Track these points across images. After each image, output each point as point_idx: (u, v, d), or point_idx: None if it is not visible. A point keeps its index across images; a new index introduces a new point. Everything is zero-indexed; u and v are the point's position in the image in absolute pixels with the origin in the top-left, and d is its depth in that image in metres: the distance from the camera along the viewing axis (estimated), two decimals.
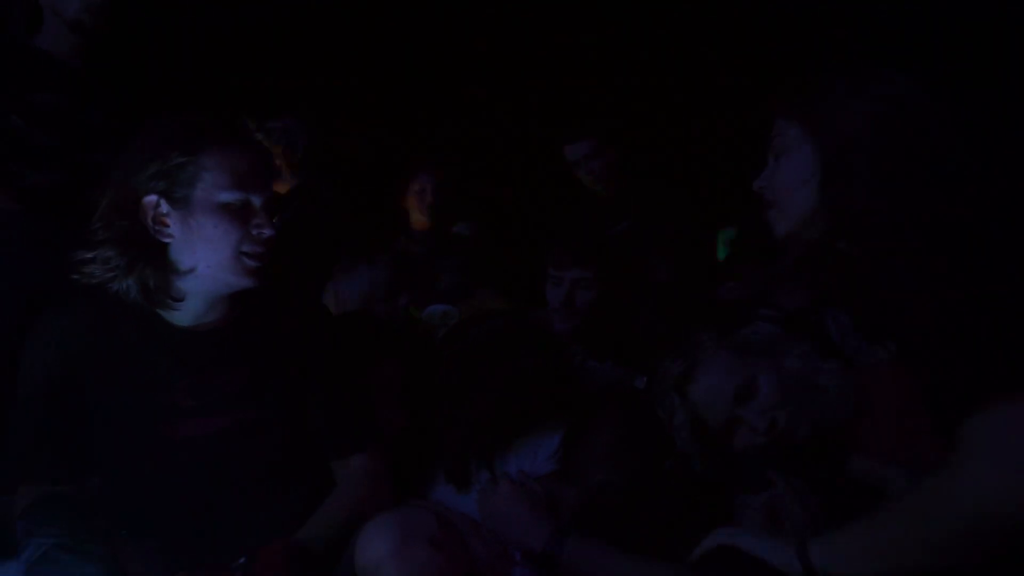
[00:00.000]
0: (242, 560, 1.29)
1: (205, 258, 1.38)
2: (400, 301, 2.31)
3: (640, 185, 2.92)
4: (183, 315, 1.43)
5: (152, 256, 1.36)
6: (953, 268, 0.93)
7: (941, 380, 0.91)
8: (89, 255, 1.37)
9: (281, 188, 3.01)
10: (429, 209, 3.16)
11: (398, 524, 1.28)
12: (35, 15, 2.14)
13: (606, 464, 1.58)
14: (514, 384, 1.67)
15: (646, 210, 2.84)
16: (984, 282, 0.91)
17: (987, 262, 0.92)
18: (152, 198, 1.35)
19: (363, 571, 1.26)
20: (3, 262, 1.96)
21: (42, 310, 1.45)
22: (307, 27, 3.65)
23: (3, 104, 2.03)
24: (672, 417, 1.47)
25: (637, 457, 1.56)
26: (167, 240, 1.37)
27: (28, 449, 1.42)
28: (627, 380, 1.88)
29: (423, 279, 2.62)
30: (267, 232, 1.39)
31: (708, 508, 1.41)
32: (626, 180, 2.92)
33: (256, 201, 1.39)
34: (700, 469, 1.47)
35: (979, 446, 0.86)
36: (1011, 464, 0.84)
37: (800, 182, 1.16)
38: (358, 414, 1.54)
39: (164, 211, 1.36)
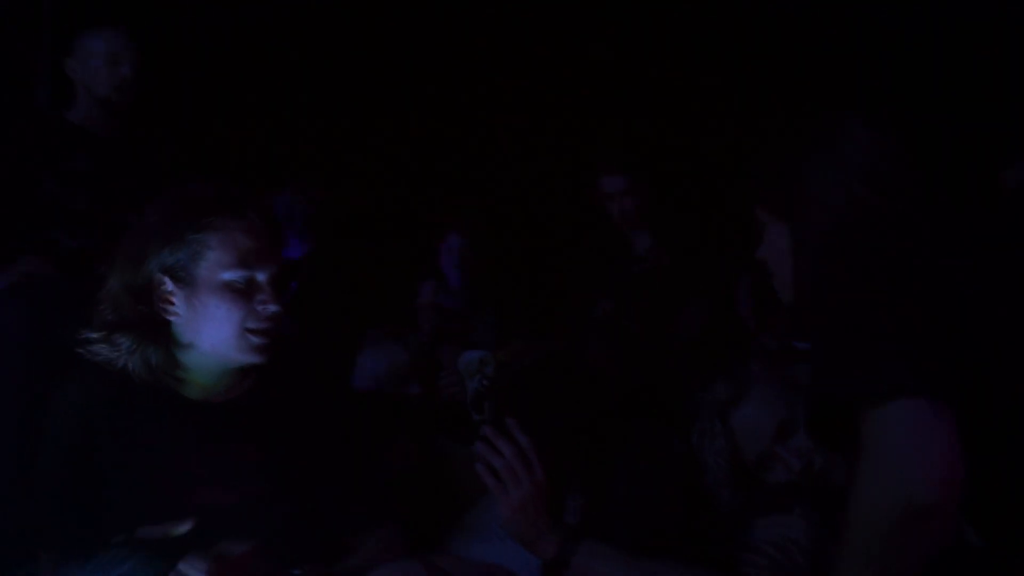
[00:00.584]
0: (296, 572, 1.31)
1: (209, 336, 1.38)
2: (411, 388, 2.33)
3: (669, 227, 2.95)
4: (192, 389, 1.44)
5: (157, 334, 1.38)
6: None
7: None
8: (95, 335, 1.37)
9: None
10: (459, 267, 3.21)
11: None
12: (68, 91, 2.42)
13: (619, 513, 1.58)
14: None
15: (673, 252, 2.87)
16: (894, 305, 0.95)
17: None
18: (159, 278, 1.36)
19: None
20: (42, 325, 1.99)
21: (65, 375, 1.45)
22: (323, 90, 3.69)
23: (39, 172, 2.22)
24: (710, 443, 1.47)
25: (650, 510, 1.56)
26: (172, 318, 1.38)
27: (48, 516, 1.43)
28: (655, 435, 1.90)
29: (459, 332, 2.66)
30: (272, 308, 1.39)
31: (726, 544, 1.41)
32: (656, 220, 2.94)
33: (261, 277, 1.39)
34: (727, 501, 1.47)
35: (881, 443, 0.90)
36: (914, 456, 0.88)
37: (783, 252, 1.19)
38: (372, 493, 1.54)
39: (169, 289, 1.37)
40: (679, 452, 1.53)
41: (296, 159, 3.56)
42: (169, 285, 1.37)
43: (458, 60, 3.82)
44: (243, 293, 1.38)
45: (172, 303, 1.38)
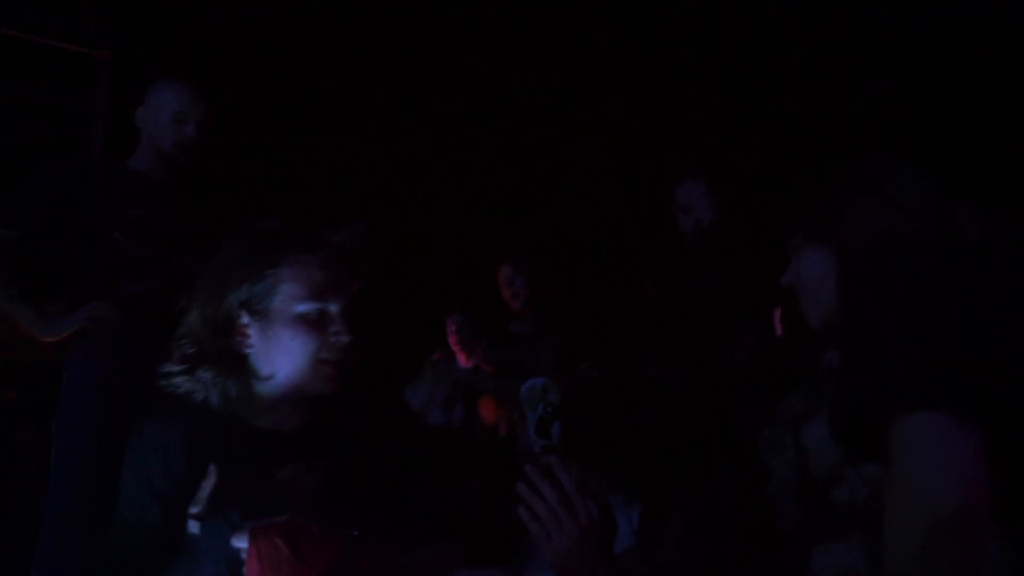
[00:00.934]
0: (355, 532, 1.32)
1: (284, 366, 1.42)
2: (455, 412, 2.35)
3: (735, 239, 2.90)
4: (264, 418, 1.47)
5: (234, 367, 1.41)
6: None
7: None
8: (176, 368, 1.40)
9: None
10: (519, 295, 3.25)
11: None
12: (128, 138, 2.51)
13: (679, 546, 1.56)
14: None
15: (737, 265, 2.82)
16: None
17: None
18: (237, 312, 1.41)
19: None
20: (109, 369, 2.08)
21: (140, 416, 1.49)
22: (376, 125, 3.77)
23: (105, 222, 2.26)
24: (780, 454, 1.44)
25: (710, 543, 1.53)
26: (248, 351, 1.42)
27: (133, 549, 1.46)
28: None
29: (526, 358, 2.69)
30: (344, 339, 1.42)
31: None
32: (722, 231, 2.90)
33: (333, 309, 1.44)
34: (790, 515, 1.44)
35: (905, 458, 0.91)
36: (938, 469, 0.89)
37: (820, 277, 1.21)
38: (439, 513, 1.56)
39: (245, 322, 1.41)
40: (742, 476, 1.49)
41: (351, 194, 3.62)
42: (245, 319, 1.42)
43: (509, 97, 3.86)
44: (316, 325, 1.42)
45: (248, 336, 1.42)
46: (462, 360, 3.28)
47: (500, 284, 3.30)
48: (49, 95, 3.30)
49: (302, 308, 1.41)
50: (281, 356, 1.41)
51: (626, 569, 1.57)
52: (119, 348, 2.18)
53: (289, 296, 1.41)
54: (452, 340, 3.20)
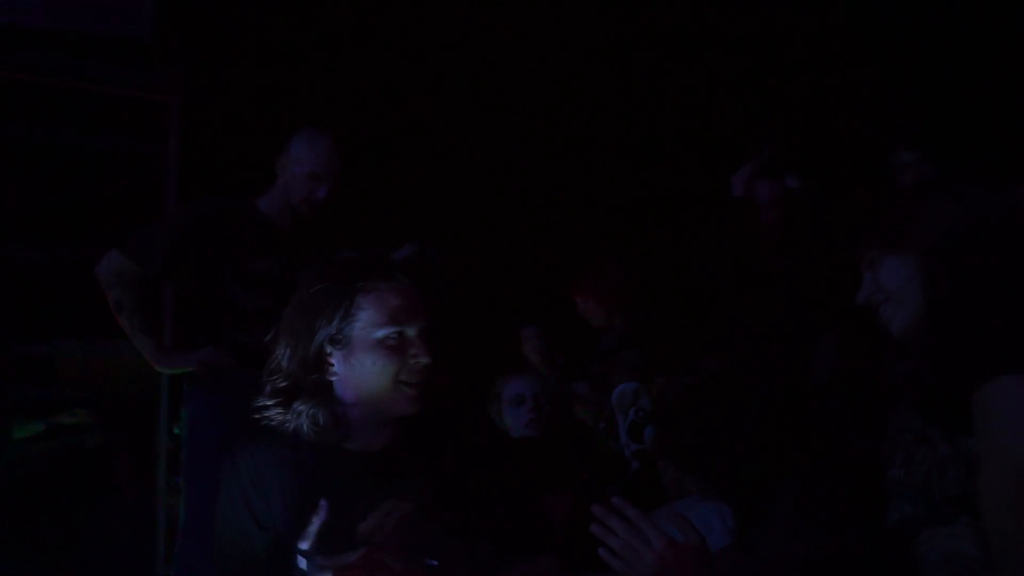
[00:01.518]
0: (434, 563, 1.36)
1: (367, 390, 1.49)
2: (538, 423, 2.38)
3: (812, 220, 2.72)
4: (353, 442, 1.53)
5: (323, 396, 1.48)
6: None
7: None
8: (270, 402, 1.48)
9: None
10: (601, 309, 3.28)
11: None
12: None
13: (786, 538, 1.56)
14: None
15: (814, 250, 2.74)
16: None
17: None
18: (325, 346, 1.48)
19: None
20: (222, 406, 2.21)
21: (233, 447, 1.57)
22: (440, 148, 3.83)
23: (226, 275, 2.44)
24: (919, 462, 1.40)
25: (817, 540, 1.53)
26: (332, 379, 1.49)
27: (226, 570, 1.53)
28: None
29: (608, 369, 2.72)
30: (423, 361, 1.48)
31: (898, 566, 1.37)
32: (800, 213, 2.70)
33: (411, 332, 1.49)
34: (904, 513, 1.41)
35: (992, 419, 0.96)
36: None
37: (904, 280, 1.27)
38: (530, 527, 1.59)
39: (328, 351, 1.48)
40: (847, 472, 1.49)
41: (421, 212, 3.69)
42: (328, 348, 1.48)
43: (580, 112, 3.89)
44: (395, 348, 1.48)
45: (332, 364, 1.49)
46: (536, 367, 3.31)
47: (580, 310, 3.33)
48: (122, 142, 3.43)
49: (381, 333, 1.47)
50: (363, 381, 1.48)
51: (724, 569, 1.57)
52: (229, 387, 2.34)
53: (368, 323, 1.47)
54: (529, 349, 3.25)
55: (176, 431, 3.18)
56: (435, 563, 1.36)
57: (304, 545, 1.37)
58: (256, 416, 1.52)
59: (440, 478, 1.53)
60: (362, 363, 1.47)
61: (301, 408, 1.47)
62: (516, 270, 3.89)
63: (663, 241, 3.77)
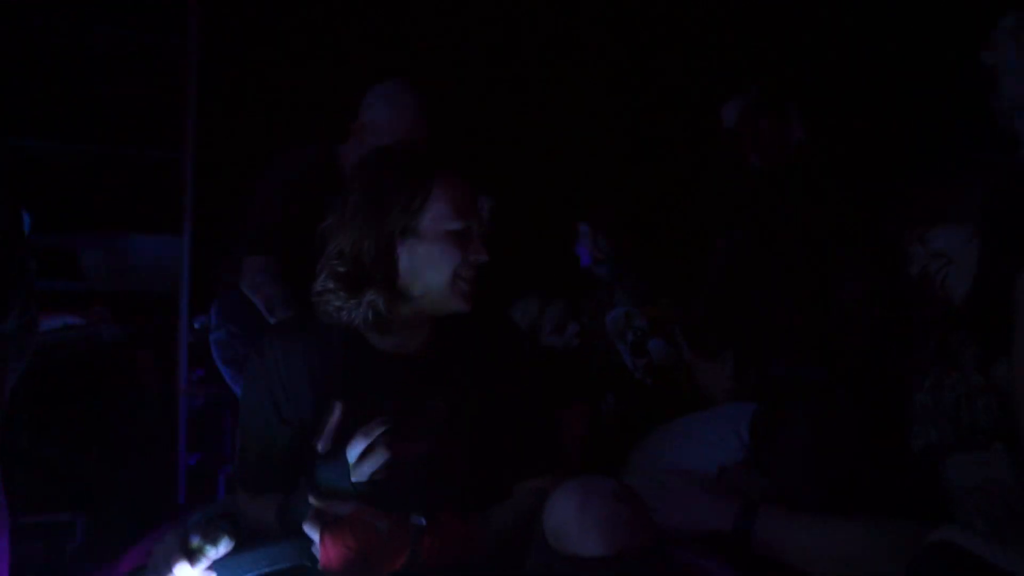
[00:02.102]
0: (421, 520, 1.37)
1: (426, 282, 1.48)
2: (569, 330, 2.35)
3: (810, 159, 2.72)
4: (390, 341, 1.51)
5: (388, 285, 1.46)
6: None
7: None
8: (330, 286, 1.46)
9: None
10: (598, 250, 3.24)
11: (580, 485, 1.30)
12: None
13: (800, 463, 1.54)
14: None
15: (811, 191, 2.69)
16: None
17: None
18: (396, 234, 1.46)
19: (552, 535, 1.28)
20: None
21: (262, 341, 1.56)
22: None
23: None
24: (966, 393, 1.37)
25: (833, 462, 1.51)
26: (396, 270, 1.47)
27: (250, 462, 1.54)
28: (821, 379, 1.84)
29: (605, 299, 2.69)
30: (483, 258, 1.48)
31: (923, 490, 1.35)
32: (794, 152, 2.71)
33: (474, 227, 1.48)
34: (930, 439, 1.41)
35: None
36: None
37: (962, 243, 1.33)
38: (547, 442, 1.60)
39: (398, 242, 1.46)
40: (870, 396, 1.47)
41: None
42: (398, 239, 1.47)
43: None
44: (460, 243, 1.47)
45: (398, 255, 1.47)
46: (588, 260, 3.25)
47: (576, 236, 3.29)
48: (144, 36, 3.37)
49: (453, 226, 1.46)
50: (425, 271, 1.47)
51: (736, 485, 1.57)
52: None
53: (439, 214, 1.46)
54: (585, 244, 3.20)
55: (196, 326, 3.21)
56: (422, 521, 1.36)
57: (320, 447, 1.37)
58: (312, 300, 1.50)
59: (471, 386, 1.52)
60: (429, 253, 1.46)
61: (369, 297, 1.46)
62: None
63: (660, 175, 3.70)
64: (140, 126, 3.50)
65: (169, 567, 1.25)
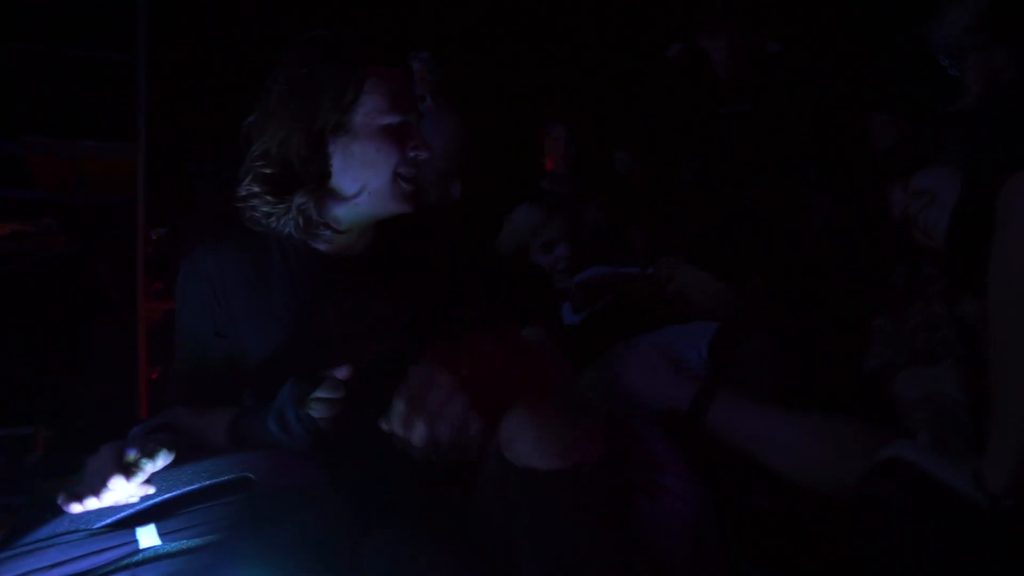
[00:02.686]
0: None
1: (366, 183, 1.37)
2: (558, 251, 2.25)
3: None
4: (330, 244, 1.42)
5: (318, 187, 1.36)
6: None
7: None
8: (256, 190, 1.36)
9: None
10: (565, 157, 3.12)
11: (535, 397, 1.21)
12: None
13: (763, 370, 1.52)
14: None
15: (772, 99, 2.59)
16: None
17: None
18: (327, 130, 1.34)
19: (507, 447, 1.18)
20: None
21: (194, 248, 1.47)
22: None
23: None
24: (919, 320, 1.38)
25: (789, 374, 1.49)
26: (331, 169, 1.36)
27: (185, 376, 1.48)
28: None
29: (570, 218, 2.59)
30: (424, 154, 1.37)
31: (872, 403, 1.35)
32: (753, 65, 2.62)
33: (412, 121, 1.38)
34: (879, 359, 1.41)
35: (1015, 207, 1.01)
36: None
37: (946, 176, 1.33)
38: (530, 300, 1.54)
39: (327, 138, 1.34)
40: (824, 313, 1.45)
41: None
42: (328, 135, 1.36)
43: None
44: (398, 138, 1.36)
45: (331, 153, 1.36)
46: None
47: (547, 143, 3.17)
48: None
49: (387, 120, 1.35)
50: (363, 172, 1.37)
51: (707, 382, 1.53)
52: None
53: (373, 109, 1.35)
54: (552, 149, 3.10)
55: (154, 237, 3.11)
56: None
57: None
58: (237, 206, 1.40)
59: (418, 285, 1.45)
60: (364, 151, 1.36)
61: (299, 200, 1.35)
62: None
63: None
64: (90, 24, 3.30)
65: (104, 482, 1.20)
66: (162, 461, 1.25)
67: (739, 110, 2.65)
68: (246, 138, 1.41)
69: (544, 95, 3.56)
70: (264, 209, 1.38)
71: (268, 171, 1.36)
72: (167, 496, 1.24)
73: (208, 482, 1.29)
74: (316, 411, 1.26)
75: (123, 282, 3.17)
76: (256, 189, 1.37)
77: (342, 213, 1.40)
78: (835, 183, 2.45)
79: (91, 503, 1.19)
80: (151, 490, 1.23)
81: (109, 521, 1.21)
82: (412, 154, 1.38)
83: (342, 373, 1.27)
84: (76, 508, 1.19)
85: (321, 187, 1.37)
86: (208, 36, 3.22)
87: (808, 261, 1.88)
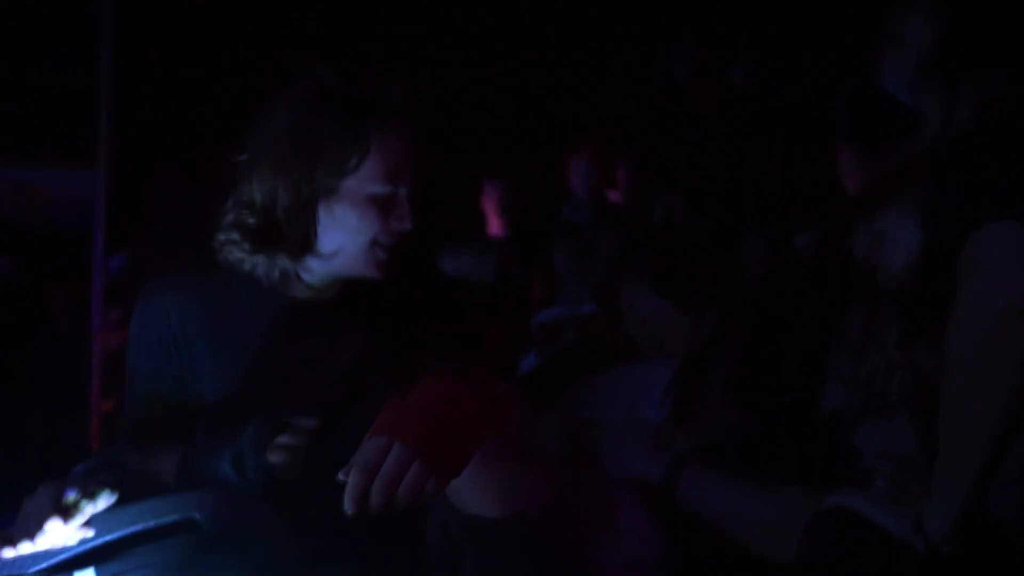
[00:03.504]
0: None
1: (341, 246, 1.32)
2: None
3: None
4: (299, 290, 1.39)
5: (297, 244, 1.31)
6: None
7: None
8: (235, 236, 1.32)
9: None
10: (586, 184, 3.16)
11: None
12: None
13: (724, 407, 1.52)
14: None
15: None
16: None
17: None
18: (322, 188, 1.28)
19: (451, 492, 1.17)
20: None
21: (154, 279, 1.43)
22: None
23: None
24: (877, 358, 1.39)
25: (756, 396, 1.49)
26: (315, 233, 1.32)
27: (136, 417, 1.43)
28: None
29: (584, 246, 2.62)
30: (406, 227, 1.31)
31: (830, 453, 1.36)
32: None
33: (403, 192, 1.31)
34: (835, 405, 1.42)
35: (982, 260, 1.03)
36: (1010, 264, 1.00)
37: (903, 216, 1.36)
38: (486, 348, 1.50)
39: (317, 199, 1.29)
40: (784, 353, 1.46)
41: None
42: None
43: None
44: (383, 208, 1.30)
45: (319, 213, 1.30)
46: (495, 227, 3.21)
47: (571, 171, 3.22)
48: None
49: (378, 190, 1.28)
50: (341, 235, 1.30)
51: (660, 442, 1.54)
52: None
53: (367, 177, 1.26)
54: (490, 205, 3.13)
55: (112, 264, 3.05)
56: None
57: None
58: (215, 244, 1.34)
59: (384, 327, 1.42)
60: (346, 216, 1.29)
61: (280, 262, 1.30)
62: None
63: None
64: (52, 48, 3.26)
65: (39, 525, 1.15)
66: (104, 502, 1.21)
67: (705, 138, 2.70)
68: (234, 172, 1.34)
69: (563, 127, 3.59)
70: (239, 255, 1.33)
71: (251, 221, 1.30)
72: (108, 539, 1.19)
73: (152, 523, 1.24)
74: (276, 457, 1.22)
75: (78, 310, 3.10)
76: (235, 237, 1.32)
77: (316, 266, 1.35)
78: (795, 220, 2.49)
79: (25, 547, 1.14)
80: (91, 533, 1.18)
81: (45, 566, 1.15)
82: (395, 224, 1.31)
83: (310, 423, 1.23)
84: (8, 552, 1.14)
85: (304, 248, 1.32)
86: (173, 61, 3.19)
87: (764, 297, 1.89)
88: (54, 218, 3.14)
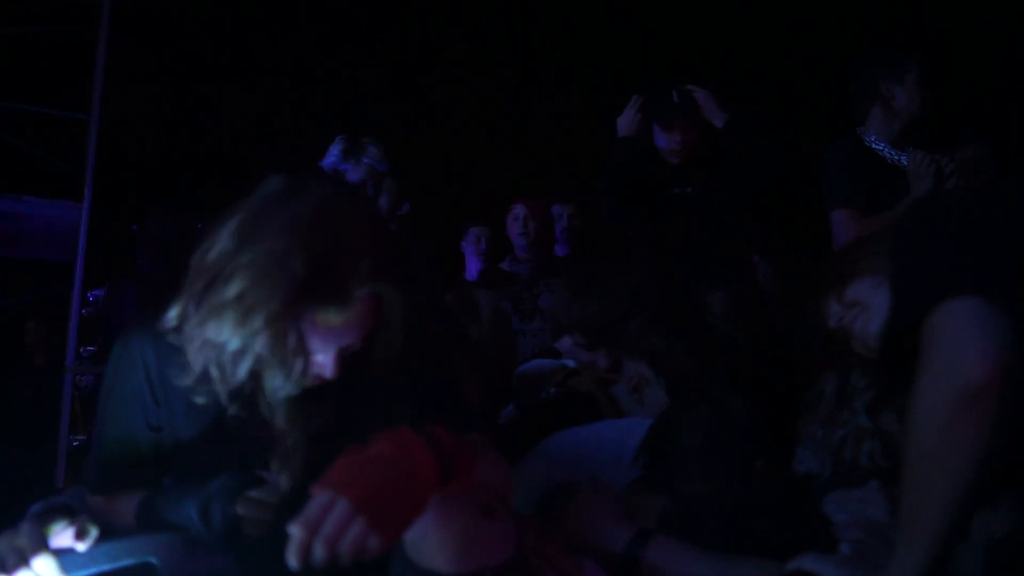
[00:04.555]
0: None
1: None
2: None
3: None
4: None
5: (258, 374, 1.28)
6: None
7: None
8: (208, 337, 1.27)
9: None
10: (524, 236, 3.18)
11: (441, 498, 1.14)
12: None
13: (695, 471, 1.50)
14: None
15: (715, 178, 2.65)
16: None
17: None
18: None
19: (411, 547, 1.14)
20: None
21: (129, 330, 1.41)
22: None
23: None
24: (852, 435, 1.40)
25: (727, 462, 1.48)
26: None
27: (107, 463, 1.40)
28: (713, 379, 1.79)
29: (525, 298, 2.63)
30: (327, 374, 1.25)
31: (802, 518, 1.35)
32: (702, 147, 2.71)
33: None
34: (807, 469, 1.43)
35: (943, 334, 1.05)
36: (970, 340, 1.02)
37: (874, 287, 1.35)
38: (459, 400, 1.47)
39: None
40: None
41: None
42: None
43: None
44: (336, 335, 1.24)
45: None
46: (474, 270, 3.21)
47: (509, 221, 3.23)
48: None
49: (335, 323, 1.22)
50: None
51: (633, 504, 1.53)
52: None
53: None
54: (473, 250, 3.14)
55: (91, 299, 3.03)
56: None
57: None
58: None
59: (358, 383, 1.40)
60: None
61: (247, 387, 1.24)
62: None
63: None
64: (41, 81, 3.28)
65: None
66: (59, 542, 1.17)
67: (685, 192, 2.72)
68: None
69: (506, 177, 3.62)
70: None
71: (236, 348, 1.22)
72: None
73: (107, 567, 1.21)
74: (244, 509, 1.19)
75: (53, 343, 3.07)
76: (209, 338, 1.23)
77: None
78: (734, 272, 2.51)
79: None
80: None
81: None
82: (318, 370, 1.25)
83: (283, 481, 1.21)
84: None
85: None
86: (161, 99, 3.21)
87: (737, 360, 1.90)
88: (35, 251, 3.11)
